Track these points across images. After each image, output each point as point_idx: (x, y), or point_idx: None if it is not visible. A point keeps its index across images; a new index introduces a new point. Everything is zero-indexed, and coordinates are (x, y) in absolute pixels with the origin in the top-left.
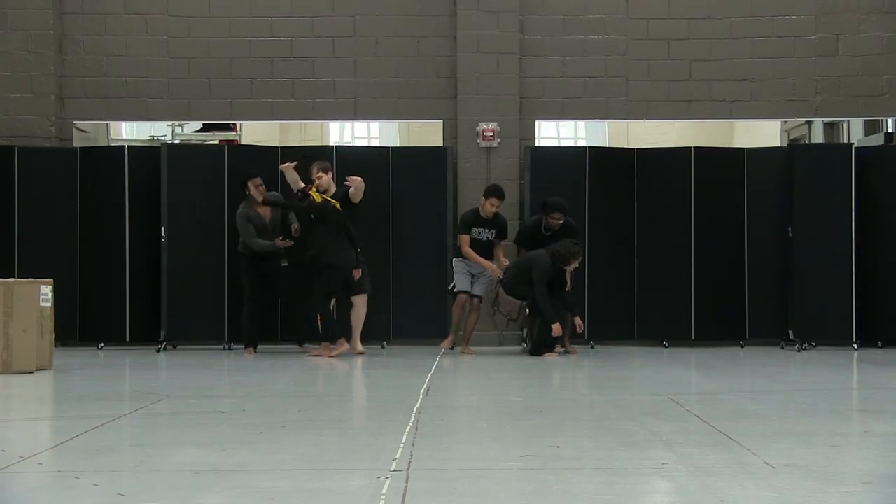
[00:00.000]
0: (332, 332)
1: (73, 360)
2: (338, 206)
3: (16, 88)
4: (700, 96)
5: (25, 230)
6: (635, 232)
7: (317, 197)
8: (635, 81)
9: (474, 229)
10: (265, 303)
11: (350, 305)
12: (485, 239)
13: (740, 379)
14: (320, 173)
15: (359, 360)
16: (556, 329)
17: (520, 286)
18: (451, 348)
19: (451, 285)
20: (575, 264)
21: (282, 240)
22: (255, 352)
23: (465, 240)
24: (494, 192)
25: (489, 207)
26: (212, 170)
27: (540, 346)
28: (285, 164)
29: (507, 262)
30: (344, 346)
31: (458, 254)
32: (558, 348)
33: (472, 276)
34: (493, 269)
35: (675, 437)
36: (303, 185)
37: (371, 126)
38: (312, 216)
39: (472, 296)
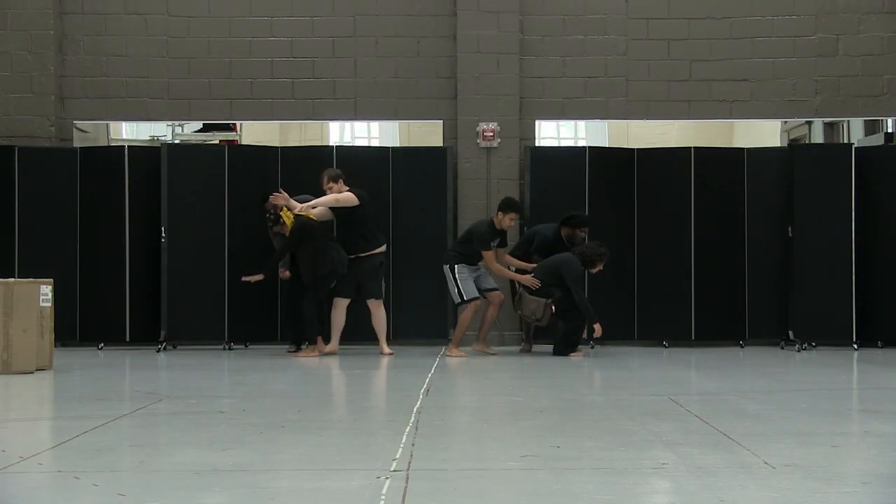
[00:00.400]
0: (310, 333)
1: (73, 360)
2: (310, 215)
3: (16, 88)
4: (700, 96)
5: (25, 230)
6: (635, 232)
7: (288, 219)
8: (635, 81)
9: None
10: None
11: (367, 311)
12: (491, 249)
13: (740, 379)
14: (331, 184)
15: (360, 361)
16: (598, 329)
17: (545, 287)
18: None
19: (459, 298)
20: (599, 267)
21: (282, 270)
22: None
23: (490, 256)
24: (516, 207)
25: (508, 222)
26: (212, 170)
27: (566, 346)
28: (276, 197)
29: (524, 265)
30: (319, 349)
31: (456, 260)
32: (578, 351)
33: (475, 277)
34: (530, 280)
35: (675, 437)
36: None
37: (371, 126)
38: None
39: (489, 290)
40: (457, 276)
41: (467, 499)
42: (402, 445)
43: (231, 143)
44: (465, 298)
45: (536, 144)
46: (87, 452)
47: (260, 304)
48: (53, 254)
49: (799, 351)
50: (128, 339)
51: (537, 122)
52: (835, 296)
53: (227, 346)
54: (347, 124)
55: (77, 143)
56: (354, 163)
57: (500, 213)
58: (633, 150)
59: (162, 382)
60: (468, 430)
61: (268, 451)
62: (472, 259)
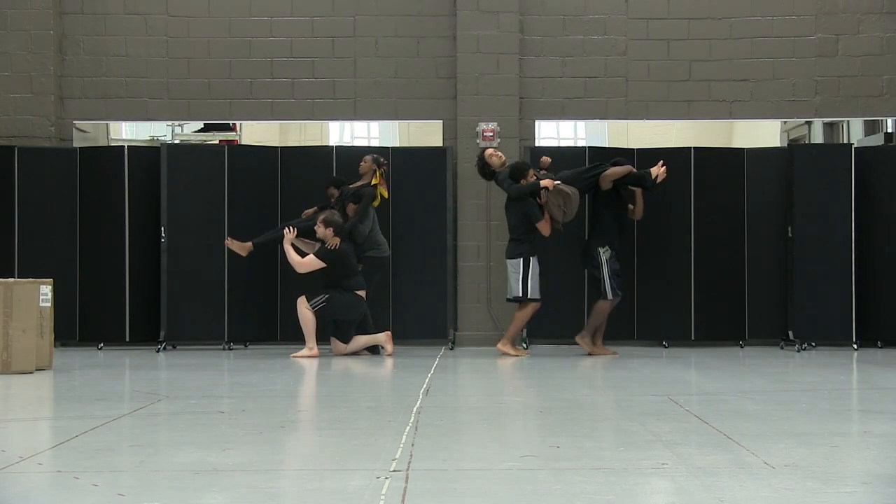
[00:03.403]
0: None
1: (73, 360)
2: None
3: (16, 88)
4: (700, 96)
5: (25, 230)
6: (635, 232)
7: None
8: (635, 81)
9: None
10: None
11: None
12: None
13: (740, 379)
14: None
15: (359, 361)
16: (546, 183)
17: None
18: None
19: (522, 294)
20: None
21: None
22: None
23: (544, 226)
24: (526, 167)
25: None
26: (212, 170)
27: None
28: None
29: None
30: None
31: (530, 252)
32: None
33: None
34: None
35: (675, 437)
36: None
37: (371, 126)
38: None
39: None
40: (530, 270)
41: (467, 499)
42: (401, 445)
43: (231, 143)
44: (528, 296)
45: (536, 144)
46: (86, 452)
47: (260, 304)
48: (53, 254)
49: (799, 351)
50: (128, 339)
51: (537, 123)
52: (835, 296)
53: (227, 346)
54: (347, 124)
55: (77, 143)
56: (354, 163)
57: (521, 181)
58: (633, 150)
59: (162, 382)
60: (468, 430)
61: (268, 451)
62: (537, 248)
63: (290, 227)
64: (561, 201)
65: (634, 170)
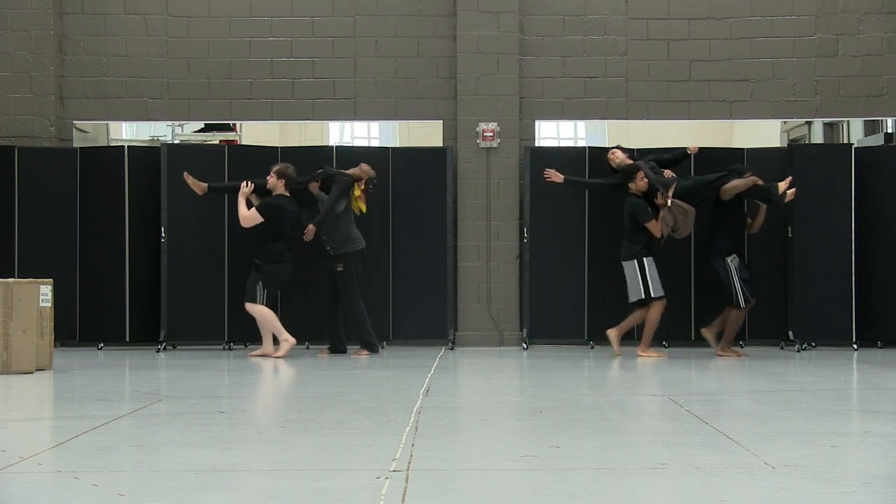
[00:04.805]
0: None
1: (73, 360)
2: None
3: (16, 88)
4: (700, 96)
5: (25, 230)
6: None
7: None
8: (635, 82)
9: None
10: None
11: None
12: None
13: (740, 379)
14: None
15: (359, 362)
16: (663, 197)
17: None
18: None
19: (645, 294)
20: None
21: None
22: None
23: (654, 226)
24: (633, 168)
25: (643, 184)
26: (212, 170)
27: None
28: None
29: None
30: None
31: (645, 253)
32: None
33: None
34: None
35: (675, 437)
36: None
37: (371, 126)
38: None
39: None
40: (647, 270)
41: (467, 499)
42: (402, 445)
43: (231, 143)
44: (653, 295)
45: (536, 145)
46: (87, 452)
47: None
48: (53, 254)
49: (799, 351)
50: (128, 339)
51: (537, 123)
52: (835, 296)
53: (227, 346)
54: (347, 124)
55: (77, 143)
56: (354, 163)
57: (629, 185)
58: (633, 150)
59: (162, 382)
60: (468, 430)
61: (268, 451)
62: (652, 247)
63: (248, 182)
64: (679, 217)
65: (760, 182)
